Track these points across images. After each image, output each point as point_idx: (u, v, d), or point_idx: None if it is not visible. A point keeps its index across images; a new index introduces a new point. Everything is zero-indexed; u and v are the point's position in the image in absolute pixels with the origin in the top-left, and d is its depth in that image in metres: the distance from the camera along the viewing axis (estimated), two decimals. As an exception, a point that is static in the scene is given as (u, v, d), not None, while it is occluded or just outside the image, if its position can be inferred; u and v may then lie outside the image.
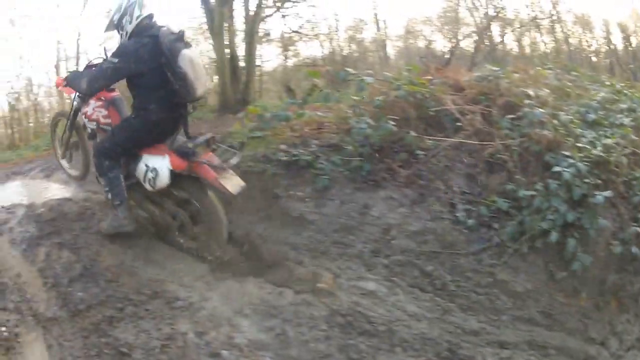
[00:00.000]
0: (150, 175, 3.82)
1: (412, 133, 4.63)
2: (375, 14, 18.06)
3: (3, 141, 12.80)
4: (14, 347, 3.09)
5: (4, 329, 3.24)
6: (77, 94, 4.36)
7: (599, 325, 3.74)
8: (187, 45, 3.78)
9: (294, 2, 15.36)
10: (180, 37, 3.75)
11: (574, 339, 3.57)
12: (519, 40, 17.34)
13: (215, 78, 14.48)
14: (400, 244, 4.00)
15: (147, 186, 3.89)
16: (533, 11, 16.59)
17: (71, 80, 3.99)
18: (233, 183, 3.74)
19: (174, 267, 3.86)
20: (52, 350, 3.09)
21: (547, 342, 3.41)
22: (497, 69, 5.30)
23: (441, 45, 18.45)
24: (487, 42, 16.30)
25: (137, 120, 3.89)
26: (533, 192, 4.07)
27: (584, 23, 17.44)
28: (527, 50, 16.97)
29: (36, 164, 7.23)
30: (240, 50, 14.47)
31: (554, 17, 16.52)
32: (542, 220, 3.93)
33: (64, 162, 5.04)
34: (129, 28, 3.79)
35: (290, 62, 17.47)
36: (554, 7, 16.47)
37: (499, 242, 3.99)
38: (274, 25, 17.82)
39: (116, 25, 3.86)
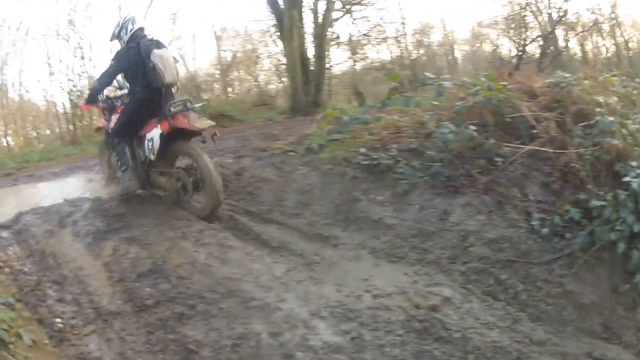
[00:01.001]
0: (150, 145, 4.85)
1: (491, 139, 4.61)
2: (442, 18, 17.86)
3: (65, 137, 13.15)
4: (68, 339, 3.09)
5: (58, 320, 3.26)
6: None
7: (650, 340, 3.68)
8: (160, 47, 4.89)
9: (362, 5, 15.51)
10: (155, 42, 4.90)
11: (628, 352, 3.49)
12: (582, 45, 16.90)
13: (286, 80, 14.65)
14: (477, 252, 3.98)
15: (151, 156, 4.89)
16: (594, 14, 16.17)
17: (89, 94, 5.18)
18: (202, 123, 4.66)
19: (251, 267, 3.82)
20: (112, 344, 3.08)
21: (605, 355, 3.34)
22: (568, 75, 5.21)
23: (507, 49, 17.97)
24: (552, 47, 15.88)
25: (131, 102, 5.05)
26: (603, 202, 4.01)
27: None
28: (590, 55, 16.53)
29: (100, 159, 7.39)
30: (310, 54, 14.66)
31: (614, 21, 16.06)
32: (611, 231, 3.88)
33: (109, 180, 5.91)
34: (126, 38, 4.99)
35: (359, 66, 17.49)
36: (613, 11, 16.01)
37: (570, 252, 3.94)
38: (342, 28, 17.94)
39: (117, 36, 5.06)
